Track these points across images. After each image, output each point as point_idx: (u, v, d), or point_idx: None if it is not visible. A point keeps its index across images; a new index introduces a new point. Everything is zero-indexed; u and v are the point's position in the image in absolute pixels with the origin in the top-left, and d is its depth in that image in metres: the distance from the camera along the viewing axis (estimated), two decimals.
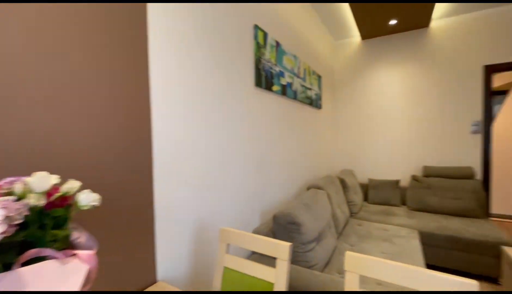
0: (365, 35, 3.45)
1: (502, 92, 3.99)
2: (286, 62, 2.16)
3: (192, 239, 1.22)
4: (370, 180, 3.39)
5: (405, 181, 3.42)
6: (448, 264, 2.39)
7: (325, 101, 3.39)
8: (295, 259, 1.51)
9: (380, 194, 3.26)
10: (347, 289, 0.78)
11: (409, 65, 3.35)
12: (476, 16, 2.97)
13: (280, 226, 1.53)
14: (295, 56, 2.33)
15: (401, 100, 3.41)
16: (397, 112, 3.44)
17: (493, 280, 2.28)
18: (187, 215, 1.19)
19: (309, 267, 1.50)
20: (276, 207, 2.03)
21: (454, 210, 2.78)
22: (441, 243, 2.41)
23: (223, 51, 1.45)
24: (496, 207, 3.86)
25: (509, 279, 1.75)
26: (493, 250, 2.20)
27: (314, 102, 2.92)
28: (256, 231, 1.64)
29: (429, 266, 2.55)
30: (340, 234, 2.31)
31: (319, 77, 3.08)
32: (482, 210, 2.74)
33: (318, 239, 1.68)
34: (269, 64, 1.87)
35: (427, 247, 2.47)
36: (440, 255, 2.42)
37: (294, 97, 2.32)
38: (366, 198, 3.48)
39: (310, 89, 2.76)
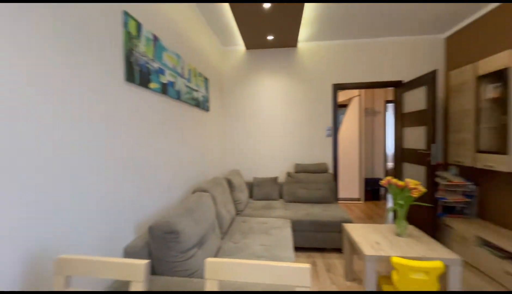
0: (249, 46, 3.74)
1: (345, 105, 5.29)
2: (167, 59, 2.02)
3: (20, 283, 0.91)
4: (255, 179, 3.70)
5: (282, 178, 3.93)
6: (313, 244, 2.90)
7: (213, 104, 3.44)
8: (173, 270, 1.41)
9: (262, 191, 3.60)
10: None
11: (285, 77, 3.88)
12: (327, 44, 3.78)
13: (157, 237, 1.39)
14: (178, 55, 2.22)
15: (279, 107, 3.90)
16: (276, 117, 3.91)
17: (339, 250, 2.95)
18: (10, 249, 0.88)
19: (189, 276, 1.44)
20: (155, 216, 1.85)
21: (317, 198, 3.42)
22: (307, 227, 2.89)
23: (76, 35, 1.18)
24: (341, 193, 5.06)
25: (347, 248, 2.30)
26: (339, 227, 2.84)
27: (202, 104, 2.89)
28: (130, 247, 1.43)
29: (298, 248, 3.02)
30: (225, 233, 2.38)
31: (206, 79, 3.09)
32: (333, 196, 3.51)
33: (200, 243, 1.65)
34: (144, 58, 1.69)
35: (297, 232, 2.91)
36: (307, 237, 2.90)
37: (178, 97, 2.21)
38: (251, 195, 3.77)
39: (196, 90, 2.71)
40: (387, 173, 5.61)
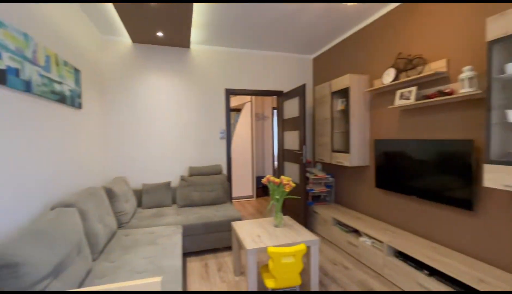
0: (135, 38, 3.38)
1: (239, 109, 5.63)
2: (7, 38, 1.55)
3: None
4: (144, 185, 3.38)
5: (177, 182, 3.77)
6: (206, 246, 2.92)
7: (88, 101, 2.90)
8: None
9: (153, 198, 3.34)
10: None
11: (178, 77, 3.73)
12: (220, 50, 3.91)
13: None
14: (26, 35, 1.74)
15: (172, 109, 3.72)
16: (169, 119, 3.71)
17: (231, 248, 3.10)
18: None
19: None
20: None
21: (210, 200, 3.46)
22: (199, 230, 2.89)
23: None
24: (236, 192, 5.36)
25: (235, 245, 2.44)
26: (230, 226, 2.97)
27: (69, 100, 2.39)
28: None
29: (192, 253, 2.97)
30: (101, 252, 2.05)
31: (77, 71, 2.57)
32: (227, 196, 3.66)
33: (57, 272, 1.35)
34: None
35: (190, 237, 2.85)
36: (199, 241, 2.89)
37: (27, 89, 1.73)
38: (140, 204, 3.43)
39: (60, 82, 2.21)
40: (275, 171, 6.35)
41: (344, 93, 3.17)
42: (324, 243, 3.18)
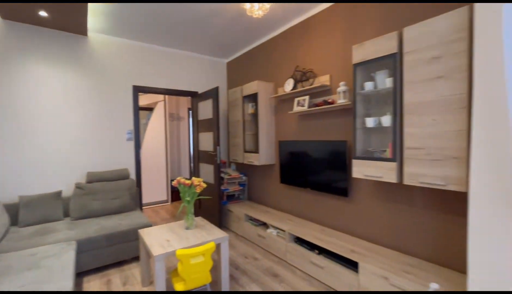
0: (7, 14, 2.70)
1: (151, 109, 5.26)
2: None
3: None
4: (22, 198, 2.74)
5: (70, 191, 3.21)
6: (109, 260, 2.61)
7: None
8: None
9: (36, 212, 2.74)
10: None
11: (71, 68, 3.18)
12: (127, 43, 3.56)
13: None
14: None
15: (63, 104, 3.14)
16: (59, 116, 3.12)
17: (134, 260, 2.87)
18: None
19: None
20: None
21: (114, 209, 3.10)
22: (101, 244, 2.56)
23: None
24: (149, 197, 4.98)
25: (143, 253, 2.29)
26: (137, 234, 2.76)
27: None
28: None
29: (89, 271, 2.61)
30: None
31: None
32: (136, 203, 3.37)
33: None
34: None
35: (88, 253, 2.49)
36: (101, 255, 2.56)
37: None
38: (16, 222, 2.76)
39: None
40: (192, 173, 6.23)
41: (253, 98, 3.42)
42: (238, 239, 3.35)
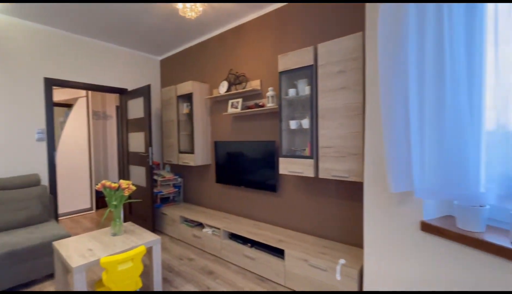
0: None
1: (70, 105, 4.63)
2: None
3: None
4: None
5: None
6: (13, 283, 2.22)
7: None
8: None
9: None
10: None
11: None
12: (37, 28, 3.07)
13: None
14: None
15: None
16: None
17: (48, 279, 2.54)
18: None
19: None
20: None
21: (21, 221, 2.65)
22: (2, 264, 2.16)
23: None
24: (67, 206, 4.36)
25: (59, 268, 2.04)
26: (52, 248, 2.43)
27: None
28: None
29: None
30: None
31: None
32: (49, 213, 2.93)
33: None
34: None
35: None
36: (1, 278, 2.16)
37: None
38: None
39: None
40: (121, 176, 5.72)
41: (188, 98, 3.39)
42: (173, 242, 3.27)
